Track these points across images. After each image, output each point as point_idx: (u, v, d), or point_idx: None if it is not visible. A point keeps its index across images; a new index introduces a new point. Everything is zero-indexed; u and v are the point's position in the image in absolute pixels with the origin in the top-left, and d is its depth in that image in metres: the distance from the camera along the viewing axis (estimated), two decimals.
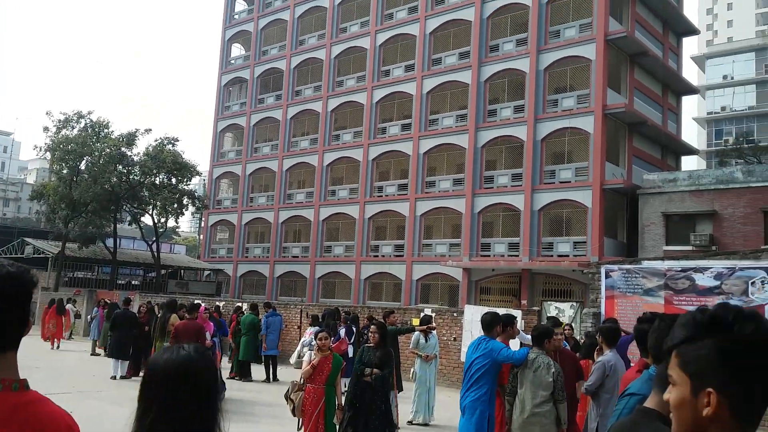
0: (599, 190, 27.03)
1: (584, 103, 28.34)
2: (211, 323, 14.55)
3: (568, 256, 27.50)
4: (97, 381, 14.96)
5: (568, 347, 9.79)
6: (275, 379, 16.67)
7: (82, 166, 34.65)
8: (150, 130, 36.38)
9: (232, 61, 45.05)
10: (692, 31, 36.58)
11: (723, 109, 58.33)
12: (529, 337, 7.53)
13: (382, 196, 34.66)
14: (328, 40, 38.28)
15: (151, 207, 36.61)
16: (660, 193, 27.27)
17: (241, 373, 16.83)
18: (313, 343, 8.80)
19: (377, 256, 34.13)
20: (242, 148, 42.24)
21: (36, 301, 32.97)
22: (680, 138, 35.02)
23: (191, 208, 39.26)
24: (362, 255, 34.35)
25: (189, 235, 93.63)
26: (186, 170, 35.56)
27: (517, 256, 28.76)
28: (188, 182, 37.27)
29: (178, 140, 35.92)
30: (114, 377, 15.46)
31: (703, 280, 13.35)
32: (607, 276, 14.91)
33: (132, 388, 12.91)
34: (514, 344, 9.26)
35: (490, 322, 7.24)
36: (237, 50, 45.68)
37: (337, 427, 7.73)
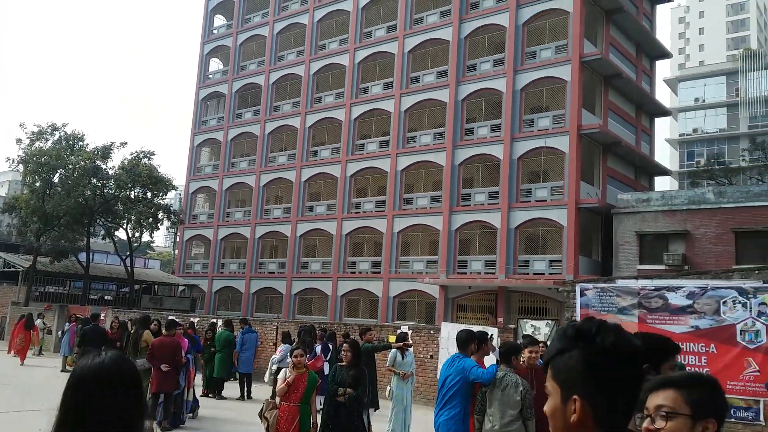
0: (574, 209, 27.33)
1: (560, 123, 28.73)
2: (185, 339, 14.35)
3: (543, 274, 27.70)
4: None
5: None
6: (249, 396, 16.49)
7: (56, 179, 34.19)
8: (126, 143, 36.20)
9: (210, 76, 44.94)
10: (665, 54, 37.36)
11: (695, 131, 59.50)
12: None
13: (359, 212, 34.67)
14: (306, 57, 38.40)
15: (125, 221, 36.18)
16: (634, 212, 27.65)
17: (215, 390, 16.61)
18: (288, 360, 8.74)
19: (354, 272, 34.05)
20: (219, 163, 42.03)
21: (6, 315, 32.31)
22: (653, 159, 35.62)
23: (166, 223, 38.85)
24: (339, 271, 34.25)
25: (164, 250, 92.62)
26: (162, 184, 35.23)
27: (494, 273, 28.90)
28: (164, 196, 36.93)
29: (154, 154, 35.67)
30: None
31: (676, 299, 13.52)
32: (582, 294, 15.03)
33: None
34: (490, 360, 9.28)
35: (464, 340, 7.25)
36: (215, 65, 45.59)
37: None
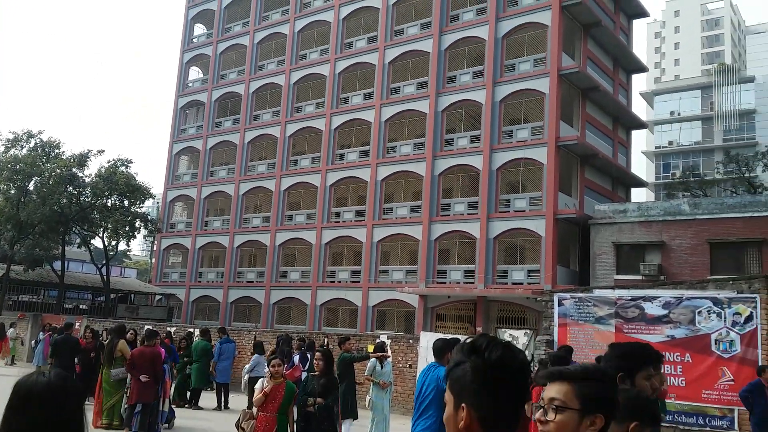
0: (552, 220, 27.55)
1: (538, 134, 29.00)
2: (162, 349, 14.18)
3: (522, 283, 27.86)
4: None
5: None
6: (227, 407, 16.33)
7: (31, 187, 33.70)
8: (103, 151, 35.79)
9: (190, 84, 44.71)
10: (641, 68, 37.94)
11: (670, 143, 60.44)
12: None
13: (339, 221, 34.62)
14: (287, 66, 38.38)
15: (101, 229, 35.74)
16: (611, 223, 27.95)
17: (191, 401, 16.42)
18: (264, 370, 8.67)
19: (333, 281, 33.95)
20: (198, 171, 41.75)
21: None
22: (630, 170, 36.07)
23: (143, 231, 38.47)
24: (318, 281, 34.12)
25: (141, 258, 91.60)
26: (139, 192, 34.89)
27: (473, 283, 29.00)
28: (141, 205, 36.57)
29: (132, 162, 35.36)
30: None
31: (652, 309, 13.67)
32: (560, 304, 15.14)
33: None
34: None
35: (441, 349, 7.25)
36: (195, 73, 45.39)
37: None
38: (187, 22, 45.46)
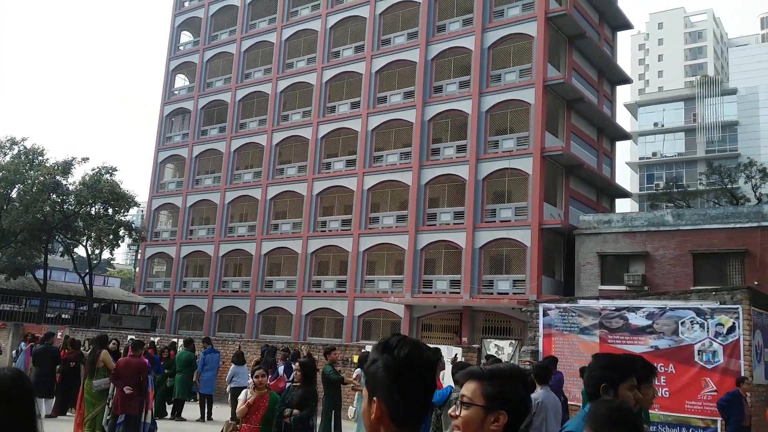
0: (538, 230, 27.66)
1: (524, 145, 29.16)
2: (145, 359, 14.04)
3: (507, 293, 27.91)
4: None
5: None
6: (210, 418, 16.17)
7: (14, 194, 33.32)
8: (87, 158, 35.35)
9: (176, 92, 44.55)
10: (625, 80, 38.32)
11: (654, 154, 60.97)
12: None
13: (325, 231, 34.55)
14: (274, 75, 38.37)
15: (85, 238, 35.37)
16: (595, 234, 28.12)
17: (174, 412, 16.25)
18: (250, 381, 8.59)
19: (319, 291, 33.84)
20: (183, 180, 41.53)
21: None
22: (614, 181, 36.37)
23: (128, 240, 38.11)
24: (304, 290, 33.99)
25: (124, 267, 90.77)
26: (124, 201, 34.59)
27: (458, 293, 29.01)
28: (125, 213, 36.25)
29: (116, 170, 35.07)
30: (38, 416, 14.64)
31: (636, 320, 13.74)
32: (545, 314, 15.18)
33: (57, 428, 12.29)
34: (447, 376, 9.27)
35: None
36: (181, 81, 45.24)
37: None
38: (174, 29, 45.36)
